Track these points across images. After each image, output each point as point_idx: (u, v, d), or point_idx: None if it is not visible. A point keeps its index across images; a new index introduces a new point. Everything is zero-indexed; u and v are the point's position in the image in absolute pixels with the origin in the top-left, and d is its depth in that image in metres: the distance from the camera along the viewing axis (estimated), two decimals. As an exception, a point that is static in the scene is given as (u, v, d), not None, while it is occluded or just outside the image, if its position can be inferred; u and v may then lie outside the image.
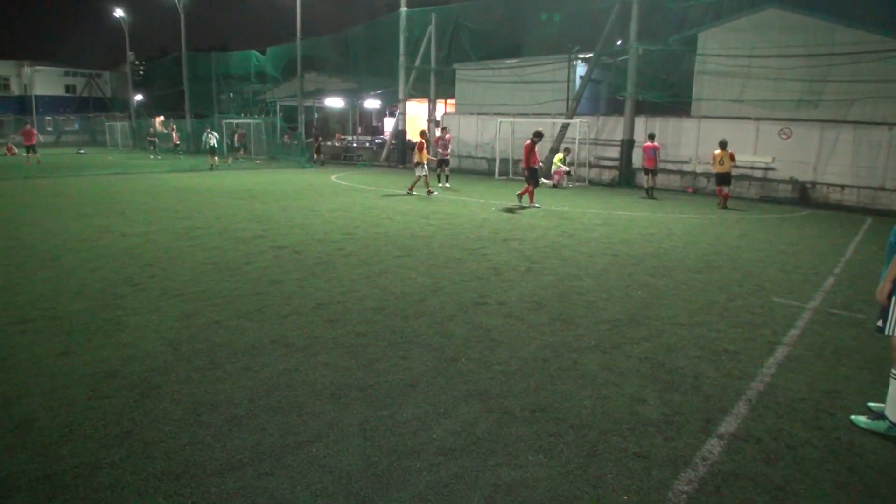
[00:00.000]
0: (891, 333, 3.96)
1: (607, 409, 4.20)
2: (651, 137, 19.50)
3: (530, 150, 14.98)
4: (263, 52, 40.06)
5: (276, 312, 6.08)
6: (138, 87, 55.71)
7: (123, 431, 3.67)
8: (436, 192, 17.65)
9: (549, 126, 24.33)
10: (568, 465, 3.47)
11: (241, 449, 3.51)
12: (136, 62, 55.04)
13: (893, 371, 3.98)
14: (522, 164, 15.58)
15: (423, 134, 18.20)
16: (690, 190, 21.03)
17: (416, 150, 17.40)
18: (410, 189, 17.60)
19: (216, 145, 26.71)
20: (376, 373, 4.65)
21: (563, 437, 3.79)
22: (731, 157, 16.64)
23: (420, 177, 17.31)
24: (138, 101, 54.38)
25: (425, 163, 17.13)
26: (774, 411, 4.27)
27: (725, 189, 16.97)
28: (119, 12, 50.46)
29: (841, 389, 4.67)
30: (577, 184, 22.43)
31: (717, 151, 16.71)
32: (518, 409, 4.14)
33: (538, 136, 15.24)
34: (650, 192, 19.08)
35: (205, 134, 27.40)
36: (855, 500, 3.27)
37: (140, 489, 3.10)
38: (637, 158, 23.49)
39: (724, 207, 16.71)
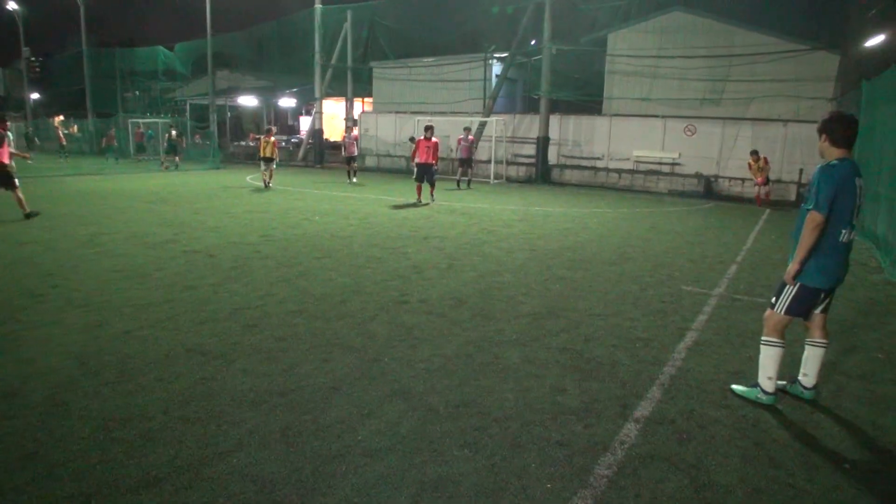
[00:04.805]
0: (778, 311, 4.32)
1: (529, 400, 4.29)
2: (466, 131, 21.05)
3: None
4: (171, 49, 38.44)
5: (190, 320, 5.85)
6: (35, 84, 52.27)
7: (27, 453, 3.43)
8: (271, 185, 18.84)
9: (468, 124, 24.58)
10: (493, 457, 3.53)
11: (156, 464, 3.36)
12: (33, 58, 51.61)
13: (762, 339, 4.39)
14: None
15: (268, 132, 19.71)
16: (759, 201, 18.68)
17: (260, 148, 18.92)
18: (267, 184, 18.66)
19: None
20: (298, 377, 4.56)
21: (487, 430, 3.84)
22: None
23: (265, 171, 18.70)
24: (35, 100, 51.00)
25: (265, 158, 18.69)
26: (686, 393, 4.49)
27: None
28: (12, 4, 47.05)
29: (745, 370, 4.96)
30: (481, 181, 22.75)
31: None
32: (442, 405, 4.16)
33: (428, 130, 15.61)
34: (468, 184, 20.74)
35: None
36: (762, 473, 3.48)
37: (44, 513, 2.91)
38: (552, 155, 24.15)
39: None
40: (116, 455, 3.43)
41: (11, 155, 11.54)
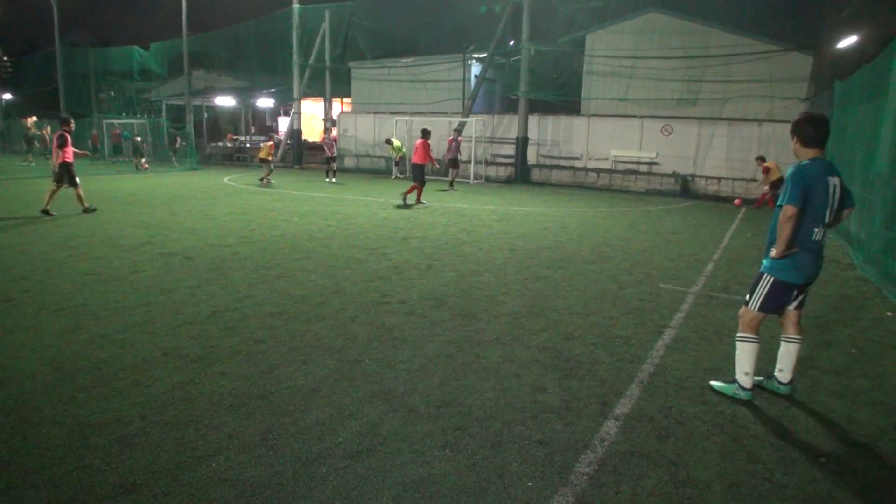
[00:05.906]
0: (752, 308, 4.39)
1: (510, 399, 4.30)
2: (457, 132, 21.32)
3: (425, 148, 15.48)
4: (147, 48, 37.90)
5: (167, 323, 5.77)
6: (6, 84, 51.20)
7: (1, 461, 3.36)
8: (273, 182, 20.68)
9: (446, 125, 24.66)
10: (474, 457, 3.53)
11: (134, 470, 3.31)
12: (3, 58, 50.44)
13: (738, 335, 4.47)
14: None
15: (270, 137, 22.84)
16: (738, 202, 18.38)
17: (263, 150, 20.97)
18: (262, 181, 20.48)
19: None
20: (277, 379, 4.52)
21: (468, 430, 3.84)
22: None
23: (268, 170, 20.71)
24: (7, 101, 49.98)
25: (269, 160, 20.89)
26: (664, 391, 4.53)
27: None
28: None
29: (722, 367, 5.02)
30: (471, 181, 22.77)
31: None
32: (423, 406, 4.16)
33: (426, 133, 15.78)
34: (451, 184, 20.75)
35: None
36: (740, 468, 3.52)
37: (18, 521, 2.86)
38: (531, 155, 24.23)
39: None
40: (93, 461, 3.38)
41: (74, 154, 12.80)
